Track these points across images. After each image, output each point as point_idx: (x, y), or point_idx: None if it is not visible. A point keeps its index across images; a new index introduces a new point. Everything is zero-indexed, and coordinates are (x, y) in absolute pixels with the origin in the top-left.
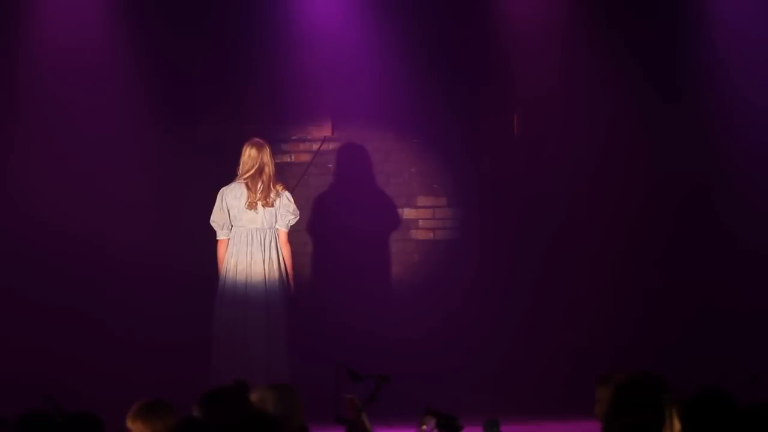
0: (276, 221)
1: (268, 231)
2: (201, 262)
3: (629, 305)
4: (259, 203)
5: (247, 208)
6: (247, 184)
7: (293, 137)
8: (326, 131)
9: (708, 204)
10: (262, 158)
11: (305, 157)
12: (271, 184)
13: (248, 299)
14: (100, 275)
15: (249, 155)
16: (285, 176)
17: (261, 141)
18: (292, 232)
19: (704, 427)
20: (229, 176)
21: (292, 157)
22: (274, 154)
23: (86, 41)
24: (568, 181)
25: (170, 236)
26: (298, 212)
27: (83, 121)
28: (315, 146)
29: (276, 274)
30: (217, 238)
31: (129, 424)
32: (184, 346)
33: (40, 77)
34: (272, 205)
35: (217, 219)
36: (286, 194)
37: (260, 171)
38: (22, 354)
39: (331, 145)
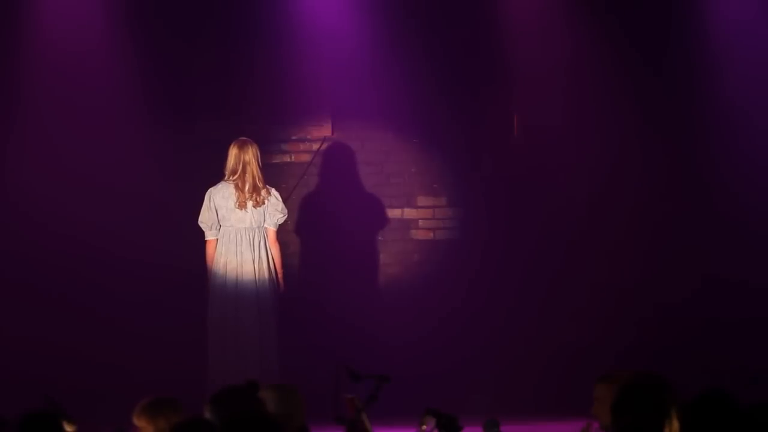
0: (264, 220)
1: (256, 230)
2: (200, 259)
3: (629, 306)
4: (250, 203)
5: (237, 208)
6: (236, 184)
7: (293, 137)
8: (326, 131)
9: (710, 204)
10: (243, 157)
11: (305, 157)
12: (258, 181)
13: (239, 298)
14: (98, 271)
15: (232, 155)
16: (285, 176)
17: (244, 139)
18: (293, 232)
19: (705, 427)
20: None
21: (292, 157)
22: (274, 154)
23: (86, 39)
24: (568, 181)
25: (170, 234)
26: (286, 211)
27: (83, 119)
28: (315, 146)
29: (266, 273)
30: (206, 239)
31: (135, 420)
32: (185, 343)
33: (40, 75)
34: (263, 203)
35: (205, 219)
36: (274, 193)
37: (244, 170)
38: (22, 353)
39: (331, 145)
